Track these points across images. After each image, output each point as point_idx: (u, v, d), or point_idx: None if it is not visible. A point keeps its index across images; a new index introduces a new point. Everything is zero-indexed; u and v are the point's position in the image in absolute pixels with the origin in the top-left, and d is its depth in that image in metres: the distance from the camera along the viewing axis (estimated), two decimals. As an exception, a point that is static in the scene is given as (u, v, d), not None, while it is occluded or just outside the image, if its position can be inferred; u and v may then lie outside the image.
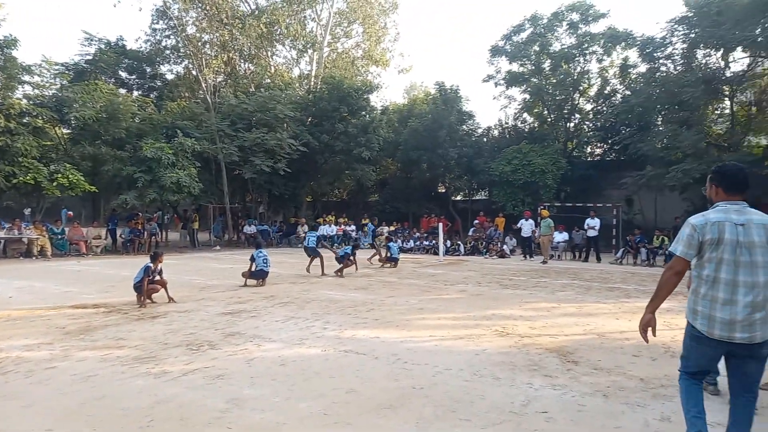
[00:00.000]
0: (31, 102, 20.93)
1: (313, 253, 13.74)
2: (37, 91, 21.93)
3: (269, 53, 31.97)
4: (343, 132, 25.29)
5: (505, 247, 20.53)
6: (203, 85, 25.45)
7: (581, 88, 26.44)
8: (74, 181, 19.38)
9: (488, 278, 13.31)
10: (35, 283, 11.71)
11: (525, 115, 29.25)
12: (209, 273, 14.07)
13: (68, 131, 23.64)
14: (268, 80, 30.36)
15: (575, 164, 25.23)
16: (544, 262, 17.74)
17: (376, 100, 33.03)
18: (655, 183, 20.48)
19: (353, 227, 25.50)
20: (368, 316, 8.22)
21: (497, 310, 8.76)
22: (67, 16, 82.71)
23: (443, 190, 30.95)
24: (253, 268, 11.52)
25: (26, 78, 20.83)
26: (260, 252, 11.74)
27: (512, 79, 27.20)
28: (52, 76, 22.99)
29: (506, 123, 30.40)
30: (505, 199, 24.33)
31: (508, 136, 29.31)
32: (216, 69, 26.70)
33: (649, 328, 3.58)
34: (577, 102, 26.94)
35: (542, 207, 20.75)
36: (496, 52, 27.61)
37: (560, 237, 20.03)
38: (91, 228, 20.68)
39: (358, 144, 25.26)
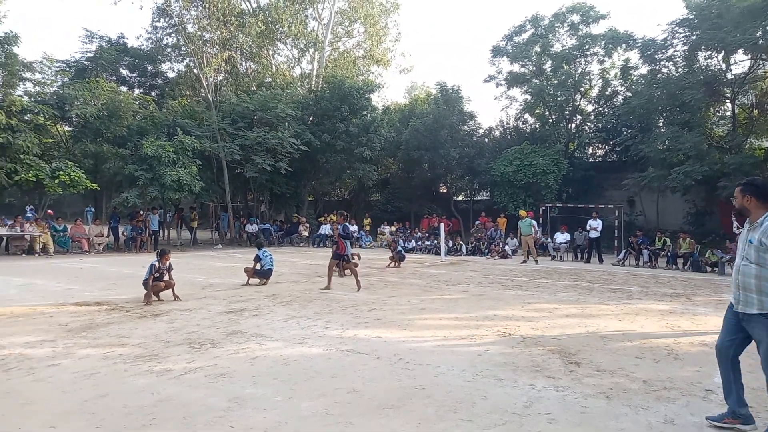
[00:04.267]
0: (32, 99, 20.92)
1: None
2: (38, 88, 21.95)
3: (270, 52, 31.98)
4: (344, 131, 25.29)
5: (506, 247, 20.50)
6: (204, 83, 25.46)
7: (582, 89, 26.47)
8: (76, 178, 19.36)
9: (490, 279, 13.30)
10: (37, 281, 11.71)
11: (526, 115, 29.32)
12: (211, 271, 14.06)
13: (69, 129, 23.66)
14: (270, 79, 30.39)
15: (577, 165, 25.24)
16: (534, 262, 17.66)
17: (378, 99, 33.07)
18: (656, 184, 20.50)
19: (355, 227, 25.47)
20: (370, 315, 8.22)
21: (499, 311, 8.75)
22: (67, 13, 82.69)
23: (445, 190, 30.97)
24: (258, 267, 11.55)
25: (27, 75, 20.87)
26: (265, 251, 11.79)
27: (513, 80, 27.25)
28: (54, 73, 23.04)
29: (507, 123, 30.47)
30: (507, 199, 24.33)
31: (509, 136, 29.35)
32: (217, 67, 26.69)
33: None
34: (578, 103, 26.97)
35: (519, 209, 20.75)
36: (497, 52, 27.65)
37: (562, 238, 20.02)
38: (93, 226, 20.69)
39: (359, 143, 25.27)
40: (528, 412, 4.32)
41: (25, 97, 20.67)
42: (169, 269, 9.50)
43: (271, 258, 11.78)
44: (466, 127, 28.68)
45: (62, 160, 20.12)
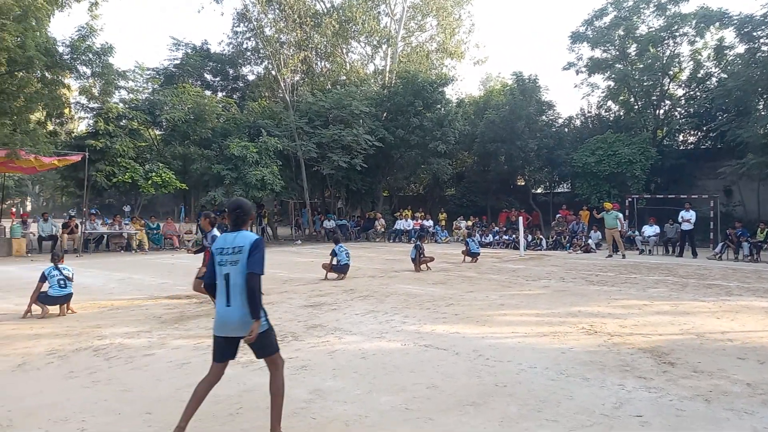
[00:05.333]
0: (126, 106, 22.40)
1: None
2: (131, 95, 23.47)
3: (344, 50, 32.42)
4: (418, 126, 25.23)
5: (590, 241, 19.70)
6: (282, 84, 26.21)
7: (671, 72, 24.90)
8: (167, 179, 20.59)
9: (572, 274, 12.81)
10: (134, 275, 12.54)
11: (609, 103, 28.09)
12: (291, 266, 14.47)
13: (160, 132, 25.13)
14: (344, 77, 30.81)
15: (666, 153, 23.81)
16: (621, 257, 16.79)
17: (452, 92, 32.75)
18: (757, 172, 18.97)
19: (430, 221, 25.44)
20: (448, 311, 8.14)
21: (583, 307, 8.39)
22: (155, 22, 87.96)
23: (522, 183, 30.22)
24: (334, 262, 11.76)
25: (122, 83, 22.26)
26: (341, 246, 11.98)
27: (595, 66, 26.11)
28: (145, 80, 24.56)
29: (589, 112, 29.35)
30: (589, 191, 23.35)
31: (591, 125, 28.24)
32: (293, 68, 27.39)
33: None
34: (666, 88, 25.41)
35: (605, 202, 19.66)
36: (576, 38, 26.57)
37: (651, 231, 18.98)
38: (182, 223, 21.91)
39: (433, 138, 25.12)
40: (618, 414, 4.10)
41: (121, 104, 22.16)
42: None
43: (347, 253, 11.95)
44: (544, 117, 27.82)
45: (154, 162, 21.43)
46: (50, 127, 19.56)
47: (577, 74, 27.33)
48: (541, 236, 21.35)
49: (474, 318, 7.61)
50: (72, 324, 7.29)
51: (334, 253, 11.80)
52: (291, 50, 27.22)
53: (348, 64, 32.56)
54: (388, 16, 31.74)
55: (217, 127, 23.90)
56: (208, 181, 22.37)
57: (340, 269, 11.78)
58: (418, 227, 24.42)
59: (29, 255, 16.99)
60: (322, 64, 32.12)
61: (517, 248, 18.91)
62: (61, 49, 15.90)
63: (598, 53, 26.18)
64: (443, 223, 26.21)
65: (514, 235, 21.00)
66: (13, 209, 29.19)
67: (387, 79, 30.01)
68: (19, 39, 12.70)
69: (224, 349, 3.70)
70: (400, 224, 24.87)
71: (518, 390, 4.64)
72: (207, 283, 3.71)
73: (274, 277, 12.14)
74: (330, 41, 29.40)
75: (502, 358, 5.56)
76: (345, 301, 8.97)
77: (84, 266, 13.90)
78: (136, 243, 19.26)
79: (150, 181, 20.31)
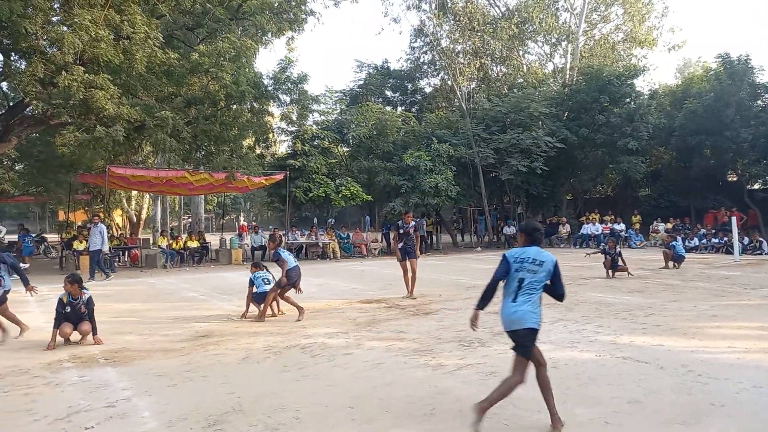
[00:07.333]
0: (318, 126, 24.64)
1: None
2: (323, 117, 25.79)
3: (521, 53, 31.72)
4: (604, 123, 23.60)
5: (829, 243, 16.51)
6: (458, 93, 26.54)
7: None
8: (354, 192, 22.18)
9: (805, 282, 10.86)
10: (329, 281, 13.67)
11: None
12: (473, 273, 14.50)
13: (347, 149, 27.13)
14: (521, 80, 30.12)
15: None
16: None
17: (642, 84, 29.95)
18: None
19: (622, 225, 23.53)
20: (647, 321, 7.46)
21: (823, 321, 7.07)
22: (342, 47, 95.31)
23: (735, 179, 26.47)
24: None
25: (315, 107, 24.60)
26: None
27: (828, 35, 21.87)
28: (334, 102, 26.73)
29: (822, 90, 24.55)
30: (825, 184, 19.59)
31: (826, 106, 23.66)
32: (469, 76, 27.57)
33: None
34: None
35: None
36: (801, 4, 22.57)
37: None
38: (369, 233, 23.34)
39: (622, 134, 23.27)
40: None
41: (314, 126, 24.48)
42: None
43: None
44: (760, 102, 24.05)
45: (343, 176, 23.23)
46: (258, 151, 22.32)
47: (803, 47, 23.23)
48: (760, 238, 18.43)
49: (680, 330, 6.87)
50: (282, 324, 8.20)
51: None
52: (467, 59, 27.47)
53: (525, 66, 31.80)
54: (567, 11, 30.40)
55: (398, 141, 25.03)
56: (390, 192, 23.53)
57: None
58: (607, 231, 22.75)
59: (244, 263, 19.51)
60: (498, 68, 31.84)
61: (729, 253, 16.60)
62: (265, 81, 18.12)
63: (831, 19, 21.96)
64: (637, 226, 24.04)
65: (725, 238, 18.47)
66: (245, 224, 34.24)
67: (568, 77, 28.66)
68: (233, 76, 14.75)
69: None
70: (587, 229, 23.42)
71: (739, 411, 4.08)
72: (496, 278, 4.19)
73: (457, 283, 12.30)
74: (506, 45, 29.04)
75: (717, 375, 4.94)
76: (531, 309, 8.71)
77: (288, 273, 15.52)
78: (330, 251, 21.00)
79: (340, 195, 22.07)
